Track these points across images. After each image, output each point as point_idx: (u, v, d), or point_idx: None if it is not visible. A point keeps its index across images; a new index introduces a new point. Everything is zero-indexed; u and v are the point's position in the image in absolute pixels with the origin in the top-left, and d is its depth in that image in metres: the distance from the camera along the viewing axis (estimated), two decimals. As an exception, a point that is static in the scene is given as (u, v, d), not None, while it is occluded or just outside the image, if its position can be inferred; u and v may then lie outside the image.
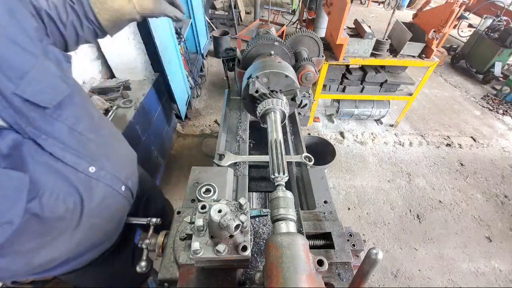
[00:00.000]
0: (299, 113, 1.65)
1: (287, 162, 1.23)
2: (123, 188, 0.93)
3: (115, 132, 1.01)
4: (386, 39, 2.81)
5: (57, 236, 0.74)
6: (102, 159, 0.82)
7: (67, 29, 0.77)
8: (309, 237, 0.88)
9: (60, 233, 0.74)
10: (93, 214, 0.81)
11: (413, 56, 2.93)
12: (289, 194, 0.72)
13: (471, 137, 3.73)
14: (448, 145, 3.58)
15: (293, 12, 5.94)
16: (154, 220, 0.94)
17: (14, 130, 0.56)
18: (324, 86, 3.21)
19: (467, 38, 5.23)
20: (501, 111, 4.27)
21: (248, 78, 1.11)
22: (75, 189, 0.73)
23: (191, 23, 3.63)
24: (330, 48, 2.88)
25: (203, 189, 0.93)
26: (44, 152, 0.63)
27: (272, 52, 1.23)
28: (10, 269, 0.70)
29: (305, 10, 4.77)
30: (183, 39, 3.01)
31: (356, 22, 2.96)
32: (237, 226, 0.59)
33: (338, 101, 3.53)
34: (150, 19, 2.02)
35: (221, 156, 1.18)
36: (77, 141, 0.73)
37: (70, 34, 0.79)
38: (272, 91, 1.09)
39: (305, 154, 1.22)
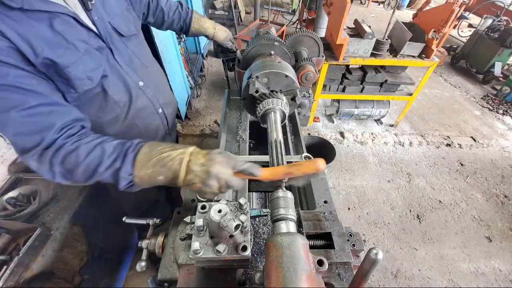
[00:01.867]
0: (299, 113, 1.65)
1: (287, 162, 1.23)
2: (160, 110, 1.23)
3: (163, 75, 1.36)
4: (386, 39, 2.81)
5: (111, 120, 1.05)
6: (149, 81, 1.13)
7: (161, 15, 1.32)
8: (309, 237, 0.88)
9: (112, 117, 1.04)
10: (135, 115, 1.11)
11: (413, 56, 2.93)
12: (289, 194, 0.72)
13: (471, 137, 3.73)
14: (448, 145, 3.58)
15: (293, 12, 5.94)
16: (154, 220, 0.93)
17: (102, 39, 0.92)
18: (324, 86, 3.20)
19: (467, 38, 5.22)
20: (501, 111, 4.27)
21: (248, 78, 1.12)
22: (127, 90, 1.03)
23: (191, 23, 3.62)
24: (330, 48, 2.88)
25: (203, 189, 0.92)
26: (114, 59, 0.96)
27: (272, 52, 1.23)
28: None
29: (305, 10, 4.77)
30: (183, 39, 3.01)
31: (356, 22, 2.96)
32: (237, 226, 0.59)
33: (338, 101, 3.53)
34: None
35: (221, 156, 1.17)
36: (134, 62, 1.06)
37: (159, 16, 1.32)
38: (272, 91, 1.09)
39: (305, 154, 1.22)
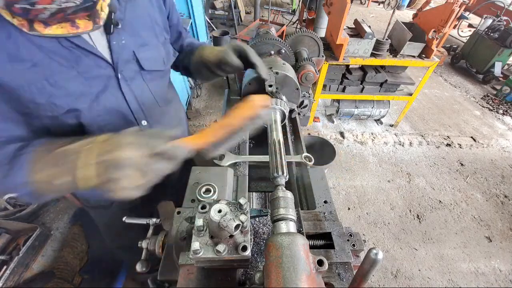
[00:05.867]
0: (299, 113, 1.65)
1: (287, 162, 1.23)
2: None
3: (179, 117, 1.20)
4: (386, 39, 2.81)
5: None
6: (156, 122, 0.98)
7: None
8: (309, 237, 0.88)
9: None
10: None
11: (413, 56, 2.93)
12: (289, 194, 0.71)
13: (471, 137, 3.73)
14: (448, 145, 3.58)
15: (293, 12, 5.94)
16: (154, 220, 0.93)
17: (112, 67, 0.78)
18: (324, 86, 3.21)
19: (467, 38, 5.23)
20: (501, 111, 4.27)
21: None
22: (121, 124, 0.87)
23: (191, 23, 3.63)
24: (330, 48, 2.88)
25: (203, 189, 0.92)
26: (119, 90, 0.82)
27: (272, 52, 1.23)
28: None
29: (305, 10, 4.77)
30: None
31: (356, 22, 2.96)
32: (237, 226, 0.59)
33: (338, 101, 3.53)
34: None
35: (221, 156, 1.18)
36: (146, 99, 0.91)
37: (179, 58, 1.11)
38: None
39: (305, 154, 1.22)
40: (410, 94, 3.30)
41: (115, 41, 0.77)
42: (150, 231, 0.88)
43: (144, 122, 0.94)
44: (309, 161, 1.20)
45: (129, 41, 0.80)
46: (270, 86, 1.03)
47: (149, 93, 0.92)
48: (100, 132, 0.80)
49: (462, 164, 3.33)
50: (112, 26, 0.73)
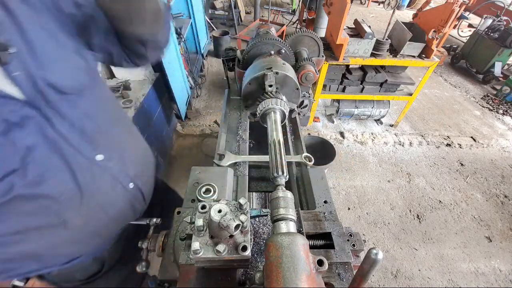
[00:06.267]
0: (299, 113, 1.65)
1: (287, 162, 1.23)
2: (131, 185, 0.89)
3: (133, 131, 1.01)
4: (386, 39, 2.81)
5: (42, 226, 0.70)
6: (112, 150, 0.81)
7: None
8: (309, 237, 0.88)
9: (44, 223, 0.70)
10: (89, 204, 0.77)
11: (413, 56, 2.93)
12: (289, 194, 0.72)
13: (471, 137, 3.73)
14: (448, 145, 3.58)
15: (293, 12, 5.94)
16: (154, 220, 0.93)
17: (29, 104, 0.60)
18: (324, 86, 3.21)
19: (467, 38, 5.23)
20: (501, 111, 4.27)
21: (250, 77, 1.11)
22: (75, 174, 0.70)
23: (191, 23, 3.63)
24: (330, 48, 2.88)
25: (203, 189, 0.93)
26: (51, 130, 0.64)
27: (272, 52, 1.23)
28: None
29: (305, 10, 4.77)
30: (183, 39, 3.01)
31: (356, 22, 2.96)
32: (237, 226, 0.59)
33: (338, 101, 3.53)
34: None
35: (221, 156, 1.18)
36: (88, 128, 0.73)
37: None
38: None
39: (305, 154, 1.22)
40: (410, 94, 3.30)
41: (17, 71, 0.57)
42: (150, 231, 0.88)
43: (99, 157, 0.75)
44: (309, 161, 1.20)
45: (32, 65, 0.60)
46: (270, 86, 1.03)
47: (87, 120, 0.73)
48: (54, 191, 0.66)
49: (462, 164, 3.33)
50: (5, 52, 0.54)
